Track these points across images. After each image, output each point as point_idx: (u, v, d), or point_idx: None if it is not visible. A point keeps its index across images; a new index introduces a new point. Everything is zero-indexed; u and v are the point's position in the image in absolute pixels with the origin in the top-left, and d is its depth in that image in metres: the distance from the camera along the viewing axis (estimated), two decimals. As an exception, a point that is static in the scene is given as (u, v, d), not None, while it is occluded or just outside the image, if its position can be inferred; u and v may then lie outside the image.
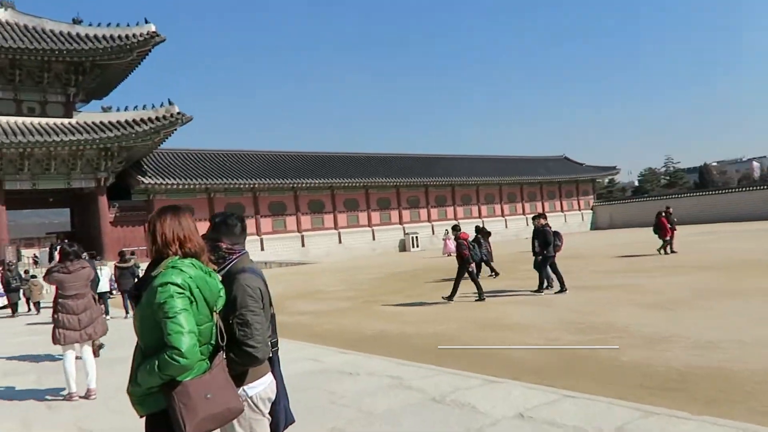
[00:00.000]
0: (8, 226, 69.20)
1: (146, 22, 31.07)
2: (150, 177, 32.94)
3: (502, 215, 52.06)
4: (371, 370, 6.13)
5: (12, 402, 6.10)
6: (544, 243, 12.48)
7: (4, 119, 29.13)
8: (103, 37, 30.45)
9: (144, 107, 31.31)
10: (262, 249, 37.47)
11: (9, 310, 17.34)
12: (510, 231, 50.42)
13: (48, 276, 6.17)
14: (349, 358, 6.84)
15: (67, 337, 5.99)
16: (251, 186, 36.81)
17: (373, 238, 43.06)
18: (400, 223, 44.84)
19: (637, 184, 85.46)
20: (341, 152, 48.54)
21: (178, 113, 30.88)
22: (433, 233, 45.15)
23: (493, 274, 16.74)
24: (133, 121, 30.47)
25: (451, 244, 18.38)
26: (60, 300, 6.08)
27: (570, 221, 54.82)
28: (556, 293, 11.91)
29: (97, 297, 6.58)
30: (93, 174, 30.98)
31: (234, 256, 2.69)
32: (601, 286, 12.57)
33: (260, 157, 42.17)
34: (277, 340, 2.84)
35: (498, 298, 12.11)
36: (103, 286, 14.23)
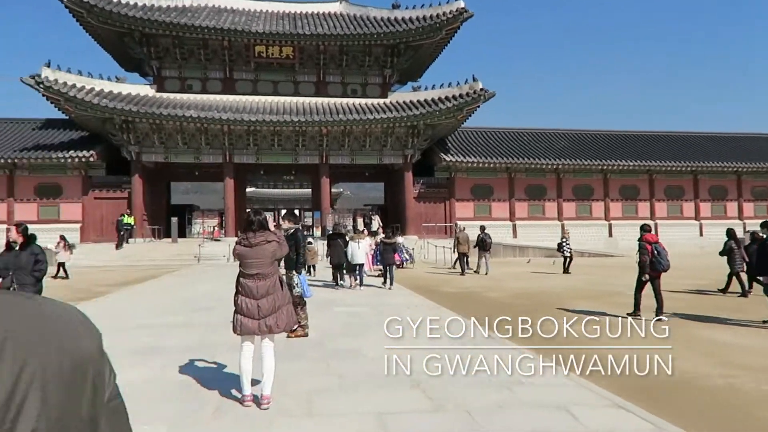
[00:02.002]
0: (345, 197, 79.36)
1: (456, -1, 30.90)
2: (452, 155, 33.01)
3: None
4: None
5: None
6: None
7: (333, 100, 32.54)
8: (416, 18, 31.37)
9: (449, 85, 31.37)
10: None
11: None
12: None
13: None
14: (628, 426, 4.20)
15: (244, 327, 4.88)
16: (554, 167, 34.00)
17: (701, 234, 35.91)
18: (740, 217, 36.37)
19: None
20: (662, 131, 41.66)
21: (481, 89, 30.04)
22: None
23: (746, 291, 12.93)
24: (439, 98, 30.75)
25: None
26: (240, 279, 5.02)
27: None
28: None
29: (284, 280, 5.31)
30: (401, 151, 32.44)
31: None
32: None
33: (564, 136, 38.84)
34: None
35: None
36: (360, 258, 14.66)
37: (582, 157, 34.55)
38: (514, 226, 34.45)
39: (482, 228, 21.14)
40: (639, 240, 10.46)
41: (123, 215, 29.12)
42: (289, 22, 31.93)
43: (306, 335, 8.10)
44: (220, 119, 28.75)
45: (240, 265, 5.00)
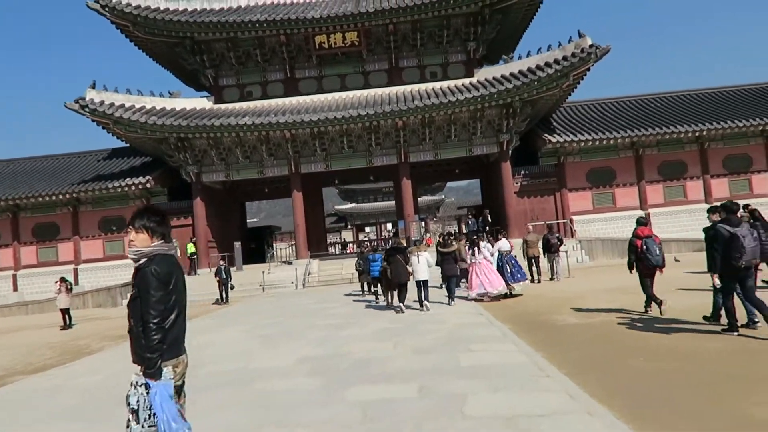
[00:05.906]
0: (448, 203, 73.27)
1: (546, -58, 24.84)
2: (559, 134, 26.73)
3: None
4: None
5: None
6: (724, 254, 7.15)
7: (408, 88, 27.66)
8: (497, -28, 25.68)
9: (548, 48, 25.27)
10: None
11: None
12: None
13: None
14: None
15: None
16: (696, 134, 26.52)
17: None
18: None
19: None
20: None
21: (591, 46, 23.67)
22: None
23: None
24: (536, 67, 24.76)
25: None
26: None
27: None
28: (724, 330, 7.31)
29: None
30: (494, 137, 26.76)
31: None
32: None
33: (709, 96, 30.99)
34: None
35: None
36: (422, 274, 12.45)
37: (734, 118, 26.80)
38: (647, 216, 27.43)
39: (549, 227, 19.30)
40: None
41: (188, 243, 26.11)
42: (351, 3, 27.50)
43: None
44: (278, 123, 24.76)
45: None
